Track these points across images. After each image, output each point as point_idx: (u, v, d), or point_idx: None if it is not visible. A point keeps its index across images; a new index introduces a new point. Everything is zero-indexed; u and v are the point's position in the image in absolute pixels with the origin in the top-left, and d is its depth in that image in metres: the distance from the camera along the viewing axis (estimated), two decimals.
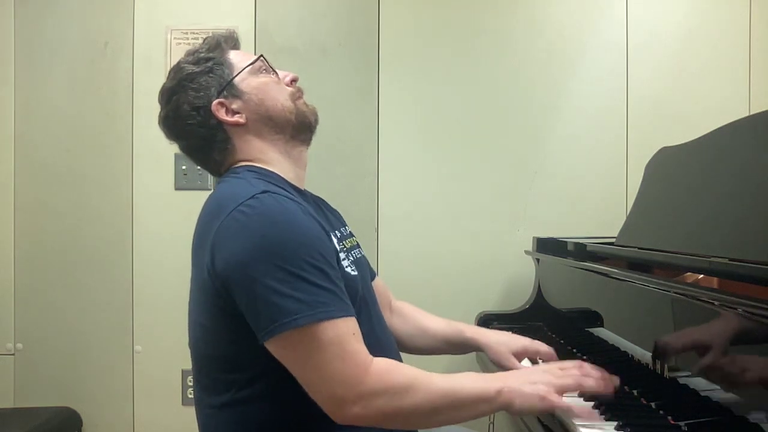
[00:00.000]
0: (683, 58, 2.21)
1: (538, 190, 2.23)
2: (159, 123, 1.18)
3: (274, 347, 0.96)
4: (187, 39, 2.25)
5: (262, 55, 1.18)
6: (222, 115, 1.12)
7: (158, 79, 2.20)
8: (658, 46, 2.21)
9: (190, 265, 1.12)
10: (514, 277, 2.19)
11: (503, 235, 2.22)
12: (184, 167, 2.25)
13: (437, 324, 1.40)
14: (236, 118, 1.13)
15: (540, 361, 1.33)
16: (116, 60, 2.27)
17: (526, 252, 2.04)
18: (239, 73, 1.14)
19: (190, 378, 2.23)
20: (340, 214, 1.33)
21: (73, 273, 2.26)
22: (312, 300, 0.94)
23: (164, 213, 2.25)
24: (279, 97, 1.15)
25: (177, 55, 2.25)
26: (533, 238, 2.01)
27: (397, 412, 0.96)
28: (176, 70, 1.16)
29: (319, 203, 1.26)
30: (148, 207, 2.26)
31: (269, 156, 1.14)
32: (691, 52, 2.21)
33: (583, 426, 1.00)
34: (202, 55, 1.15)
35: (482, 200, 2.24)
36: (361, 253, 1.27)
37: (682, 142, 1.51)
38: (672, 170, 1.51)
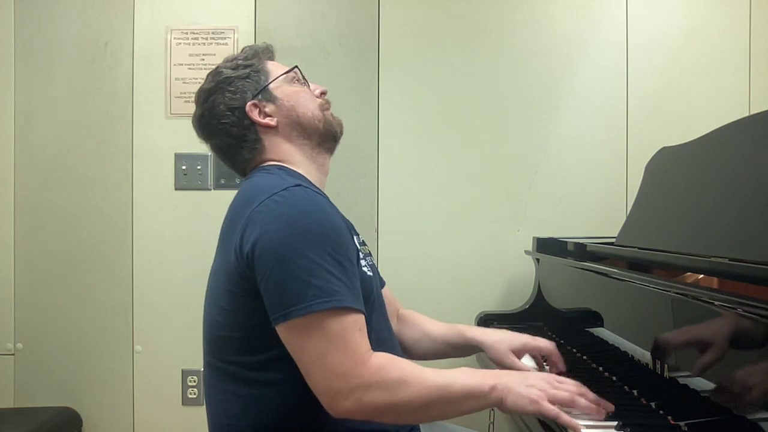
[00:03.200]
0: (683, 58, 2.21)
1: (538, 190, 2.23)
2: (193, 122, 1.24)
3: (285, 331, 0.99)
4: (187, 39, 2.26)
5: (297, 66, 1.27)
6: (255, 116, 1.19)
7: (158, 79, 2.25)
8: (658, 46, 2.21)
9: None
10: (514, 277, 2.19)
11: (503, 235, 2.22)
12: (184, 167, 2.25)
13: (439, 328, 1.42)
14: (268, 120, 1.19)
15: (545, 366, 1.33)
16: (116, 60, 2.27)
17: (526, 252, 2.04)
18: (275, 79, 1.22)
19: (190, 378, 2.23)
20: (352, 224, 1.35)
21: (73, 273, 2.26)
22: (328, 288, 0.97)
23: (164, 213, 2.25)
24: (309, 106, 1.23)
25: (177, 55, 2.27)
26: (533, 238, 2.01)
27: (390, 406, 0.97)
28: (214, 74, 1.23)
29: None
30: (148, 207, 2.26)
31: (295, 158, 1.21)
32: (691, 53, 2.20)
33: (584, 426, 1.00)
34: (240, 61, 1.23)
35: (482, 200, 2.24)
36: (373, 261, 1.30)
37: (682, 142, 1.51)
38: (672, 170, 1.51)
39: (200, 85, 1.24)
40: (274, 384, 1.05)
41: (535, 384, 1.02)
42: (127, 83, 2.26)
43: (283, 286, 0.98)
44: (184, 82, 2.25)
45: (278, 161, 1.20)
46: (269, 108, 1.20)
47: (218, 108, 1.19)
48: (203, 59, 2.25)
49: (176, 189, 2.26)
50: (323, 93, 1.27)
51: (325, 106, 1.25)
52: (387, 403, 0.97)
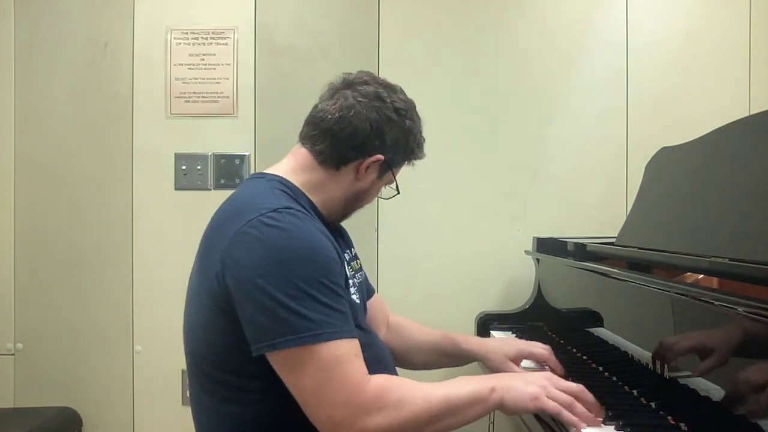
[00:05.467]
0: (683, 59, 2.21)
1: (538, 190, 2.23)
2: (373, 90, 1.16)
3: (275, 361, 0.97)
4: (187, 39, 2.25)
5: (399, 193, 1.28)
6: (368, 161, 1.16)
7: (158, 79, 2.25)
8: (659, 46, 2.21)
9: (190, 265, 1.12)
10: (514, 277, 2.19)
11: (503, 235, 2.22)
12: (184, 167, 2.25)
13: (432, 337, 1.41)
14: (362, 171, 1.17)
15: (544, 366, 1.33)
16: (116, 60, 2.27)
17: (526, 252, 2.04)
18: (395, 178, 1.25)
19: None
20: (347, 233, 1.35)
21: (73, 273, 2.26)
22: (320, 319, 0.95)
23: (164, 213, 2.25)
24: (365, 203, 1.25)
25: (177, 55, 2.27)
26: (533, 238, 2.01)
27: (395, 427, 0.96)
28: (415, 119, 1.21)
29: (328, 223, 1.27)
30: (148, 207, 2.26)
31: (323, 196, 1.17)
32: (692, 53, 2.20)
33: (584, 426, 1.00)
34: (418, 142, 1.23)
35: (482, 200, 2.24)
36: (363, 276, 1.29)
37: (682, 142, 1.51)
38: (672, 170, 1.51)
39: (391, 90, 1.20)
40: (254, 403, 1.04)
41: (534, 381, 1.02)
42: (127, 83, 2.26)
43: (272, 316, 0.94)
44: (184, 82, 2.25)
45: (300, 180, 1.15)
46: (371, 172, 1.18)
47: (387, 123, 1.15)
48: (203, 59, 2.25)
49: (176, 189, 2.26)
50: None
51: (356, 207, 1.26)
52: (392, 425, 0.95)
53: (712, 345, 0.99)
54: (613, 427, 0.99)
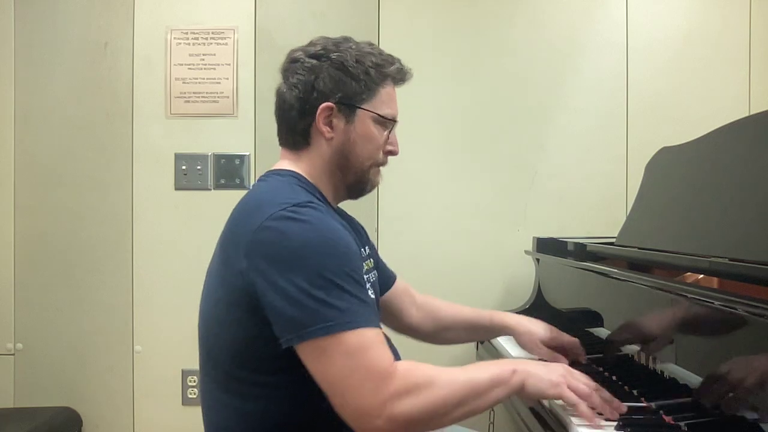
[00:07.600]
0: (683, 59, 2.21)
1: (538, 190, 2.23)
2: (288, 58, 1.16)
3: (303, 352, 0.97)
4: (187, 39, 2.26)
5: (396, 121, 1.20)
6: (320, 115, 1.11)
7: (158, 79, 2.25)
8: (658, 46, 2.21)
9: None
10: (514, 277, 2.19)
11: (503, 235, 2.22)
12: (184, 167, 2.25)
13: (464, 313, 1.46)
14: (325, 130, 1.12)
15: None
16: (116, 60, 2.27)
17: (526, 252, 2.04)
18: (370, 111, 1.15)
19: (190, 378, 2.23)
20: (364, 230, 1.36)
21: (73, 273, 2.26)
22: (346, 308, 0.95)
23: (164, 213, 2.25)
24: (367, 154, 1.16)
25: (177, 55, 2.27)
26: (533, 238, 2.01)
27: (423, 410, 0.95)
28: (344, 48, 1.13)
29: (347, 219, 1.27)
30: (148, 207, 2.26)
31: (320, 176, 1.16)
32: (691, 53, 2.21)
33: (583, 426, 1.00)
34: (372, 60, 1.15)
35: (482, 200, 2.24)
36: (375, 276, 1.29)
37: (682, 142, 1.51)
38: (672, 170, 1.51)
39: (307, 46, 1.15)
40: (268, 398, 1.04)
41: (555, 370, 1.04)
42: (127, 83, 2.26)
43: (299, 306, 0.95)
44: (184, 82, 2.25)
45: (302, 171, 1.15)
46: (337, 122, 1.12)
47: (309, 74, 1.11)
48: (203, 59, 2.25)
49: (176, 189, 2.26)
50: (391, 153, 1.21)
51: (379, 163, 1.20)
52: (419, 408, 0.95)
53: (711, 345, 0.99)
54: (613, 427, 1.00)
